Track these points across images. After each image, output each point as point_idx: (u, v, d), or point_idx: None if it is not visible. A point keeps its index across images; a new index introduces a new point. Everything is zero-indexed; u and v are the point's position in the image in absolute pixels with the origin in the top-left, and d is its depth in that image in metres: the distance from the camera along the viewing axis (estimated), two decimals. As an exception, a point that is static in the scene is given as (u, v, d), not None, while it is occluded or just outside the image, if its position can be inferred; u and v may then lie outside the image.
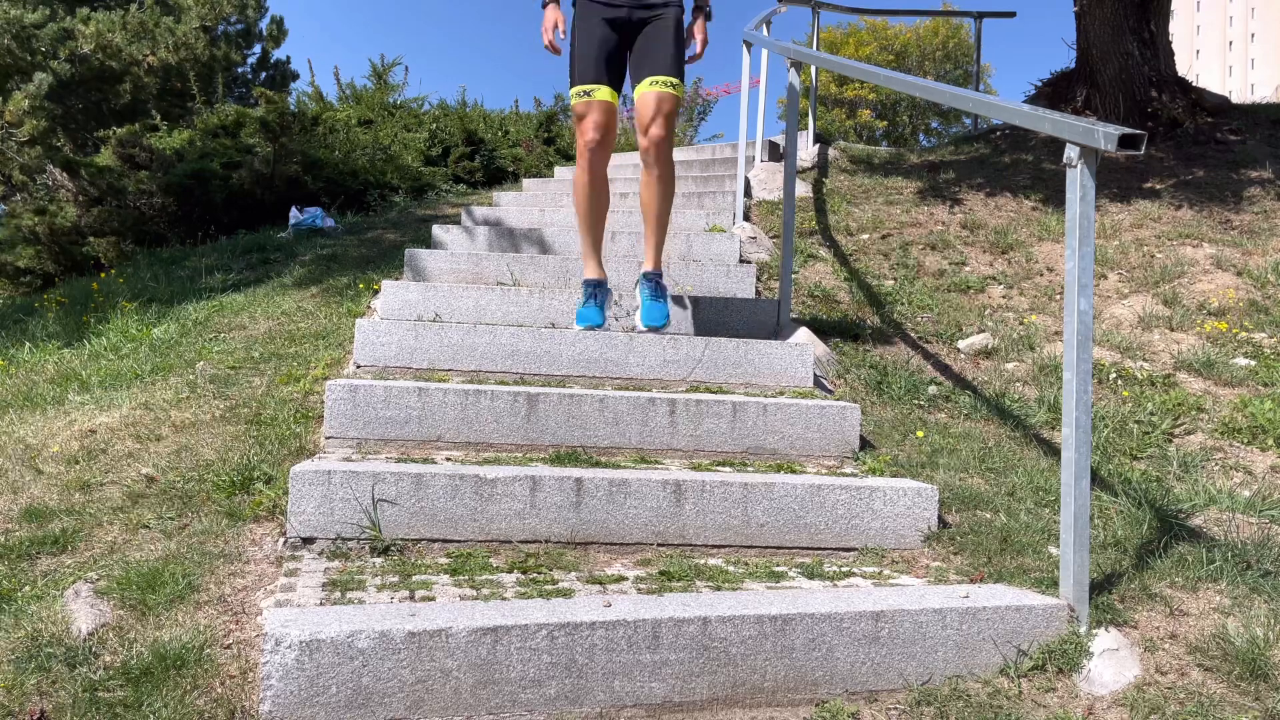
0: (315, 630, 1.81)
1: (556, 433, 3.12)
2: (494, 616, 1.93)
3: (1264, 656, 2.09)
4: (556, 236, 5.28)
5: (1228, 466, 3.32)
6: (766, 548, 2.67)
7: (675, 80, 3.72)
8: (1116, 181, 6.26)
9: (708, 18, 3.96)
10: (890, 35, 35.79)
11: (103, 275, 6.86)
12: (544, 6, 3.85)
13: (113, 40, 11.17)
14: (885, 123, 33.32)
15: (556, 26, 3.80)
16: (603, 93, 3.70)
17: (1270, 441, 3.45)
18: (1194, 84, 7.37)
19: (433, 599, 2.13)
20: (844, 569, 2.56)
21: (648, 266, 3.90)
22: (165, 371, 3.85)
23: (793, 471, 3.07)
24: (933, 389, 3.96)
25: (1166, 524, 2.72)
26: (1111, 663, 2.12)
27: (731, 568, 2.50)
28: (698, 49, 3.92)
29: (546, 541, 2.56)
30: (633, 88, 3.79)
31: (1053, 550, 2.58)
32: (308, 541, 2.46)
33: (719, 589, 2.30)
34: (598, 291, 3.81)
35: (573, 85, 3.74)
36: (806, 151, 7.52)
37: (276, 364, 3.83)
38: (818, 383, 3.87)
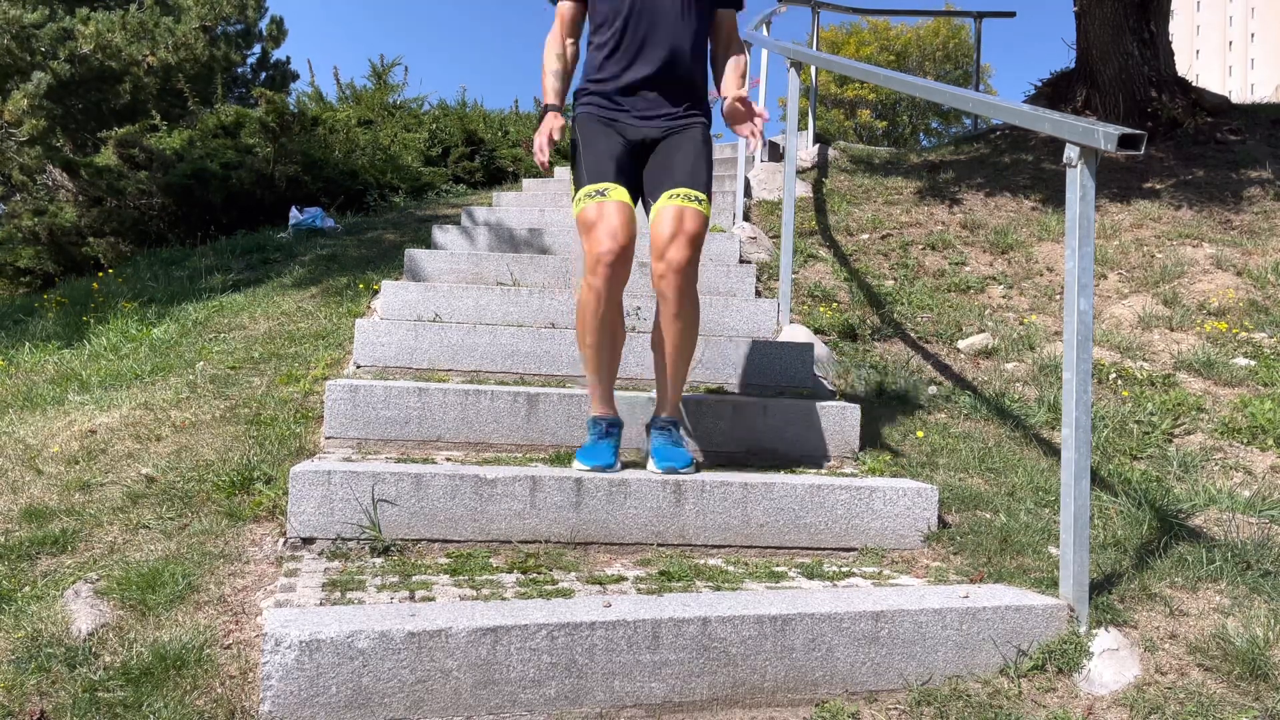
0: (315, 630, 1.81)
1: (556, 433, 3.12)
2: (494, 616, 1.93)
3: (1264, 656, 2.09)
4: (556, 237, 5.28)
5: (1228, 466, 3.32)
6: (766, 548, 2.67)
7: (702, 195, 2.88)
8: (1116, 181, 6.26)
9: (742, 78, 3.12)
10: (891, 36, 35.81)
11: (102, 275, 6.86)
12: (543, 115, 3.01)
13: (112, 40, 11.16)
14: (885, 123, 33.31)
15: (552, 139, 2.94)
16: (618, 192, 2.84)
17: (1270, 441, 3.45)
18: (1194, 84, 7.37)
19: (433, 599, 2.13)
20: (844, 569, 2.56)
21: (660, 412, 3.00)
22: (165, 372, 3.85)
23: (792, 471, 3.07)
24: (933, 389, 3.96)
25: (1166, 524, 2.72)
26: (1111, 663, 2.12)
27: (731, 568, 2.50)
28: (743, 92, 3.00)
29: (546, 541, 2.56)
30: (647, 208, 2.98)
31: (1053, 550, 2.58)
32: (308, 542, 2.46)
33: (719, 589, 2.30)
34: (610, 430, 2.93)
35: (579, 187, 2.90)
36: (806, 151, 7.52)
37: (276, 364, 3.83)
38: (818, 383, 3.87)
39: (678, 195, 2.85)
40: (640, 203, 3.04)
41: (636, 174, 3.01)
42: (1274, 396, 3.70)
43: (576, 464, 2.81)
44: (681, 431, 2.94)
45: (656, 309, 2.91)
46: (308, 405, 3.34)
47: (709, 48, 3.14)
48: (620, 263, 2.77)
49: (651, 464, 2.86)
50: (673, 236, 2.79)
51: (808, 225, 5.82)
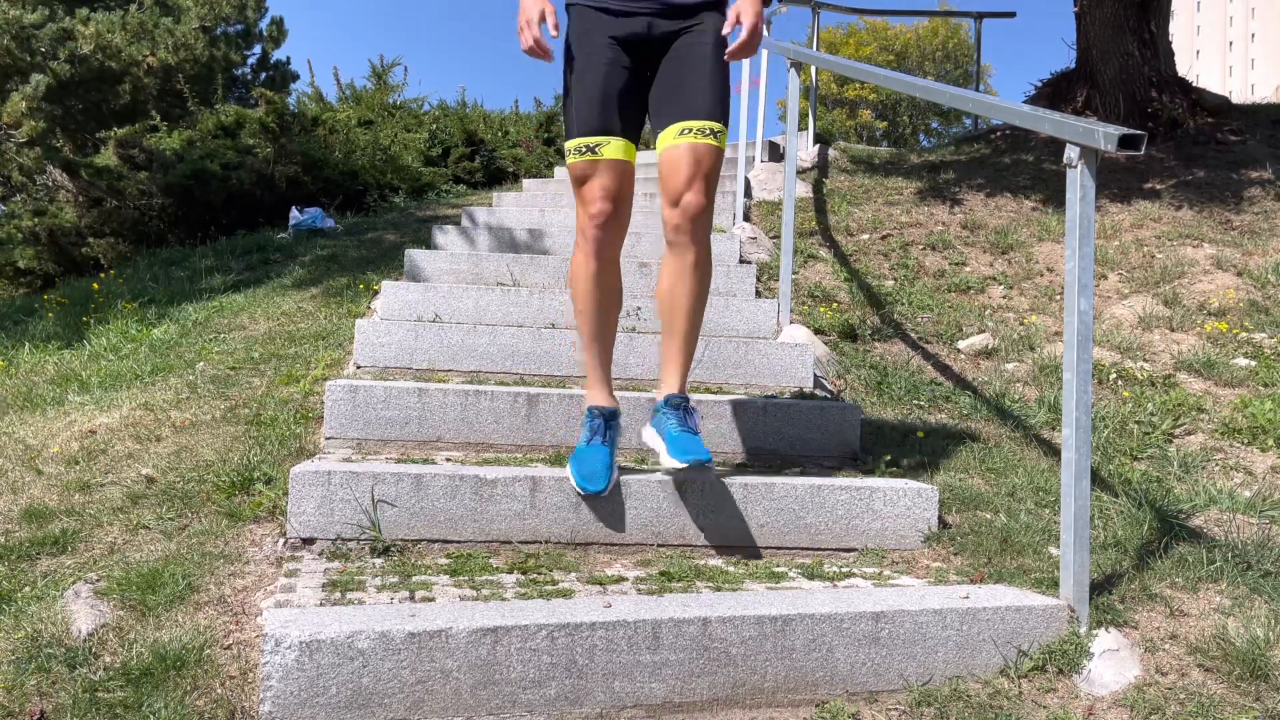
0: (315, 631, 1.81)
1: (557, 433, 3.12)
2: (494, 617, 1.93)
3: (1264, 657, 2.09)
4: (557, 238, 5.28)
5: (1228, 467, 3.32)
6: (766, 548, 2.67)
7: (718, 126, 2.56)
8: (1117, 182, 6.26)
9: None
10: (890, 36, 35.82)
11: (102, 276, 6.86)
12: None
13: (112, 41, 11.17)
14: (886, 123, 33.32)
15: (544, 19, 2.54)
16: (613, 148, 2.56)
17: (1270, 442, 3.45)
18: (1194, 84, 7.38)
19: (433, 599, 2.13)
20: (844, 569, 2.56)
21: (670, 389, 2.66)
22: (165, 372, 3.85)
23: (792, 472, 3.07)
24: (933, 389, 3.96)
25: (1167, 524, 2.71)
26: (1112, 663, 2.12)
27: (731, 568, 2.50)
28: (742, 34, 2.57)
29: (546, 542, 2.56)
30: (655, 133, 2.66)
31: (1053, 550, 2.58)
32: (308, 542, 2.45)
33: (719, 589, 2.30)
34: (607, 426, 2.63)
35: (570, 136, 2.61)
36: (806, 152, 7.52)
37: (276, 364, 3.83)
38: (818, 383, 3.87)
39: (692, 130, 2.55)
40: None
41: (639, 93, 2.66)
42: (1274, 397, 3.70)
43: (570, 474, 2.56)
44: (696, 414, 2.64)
45: (664, 264, 2.66)
46: (308, 405, 3.34)
47: None
48: (614, 220, 2.60)
49: (665, 456, 2.52)
50: (690, 180, 2.54)
51: (808, 225, 5.82)
